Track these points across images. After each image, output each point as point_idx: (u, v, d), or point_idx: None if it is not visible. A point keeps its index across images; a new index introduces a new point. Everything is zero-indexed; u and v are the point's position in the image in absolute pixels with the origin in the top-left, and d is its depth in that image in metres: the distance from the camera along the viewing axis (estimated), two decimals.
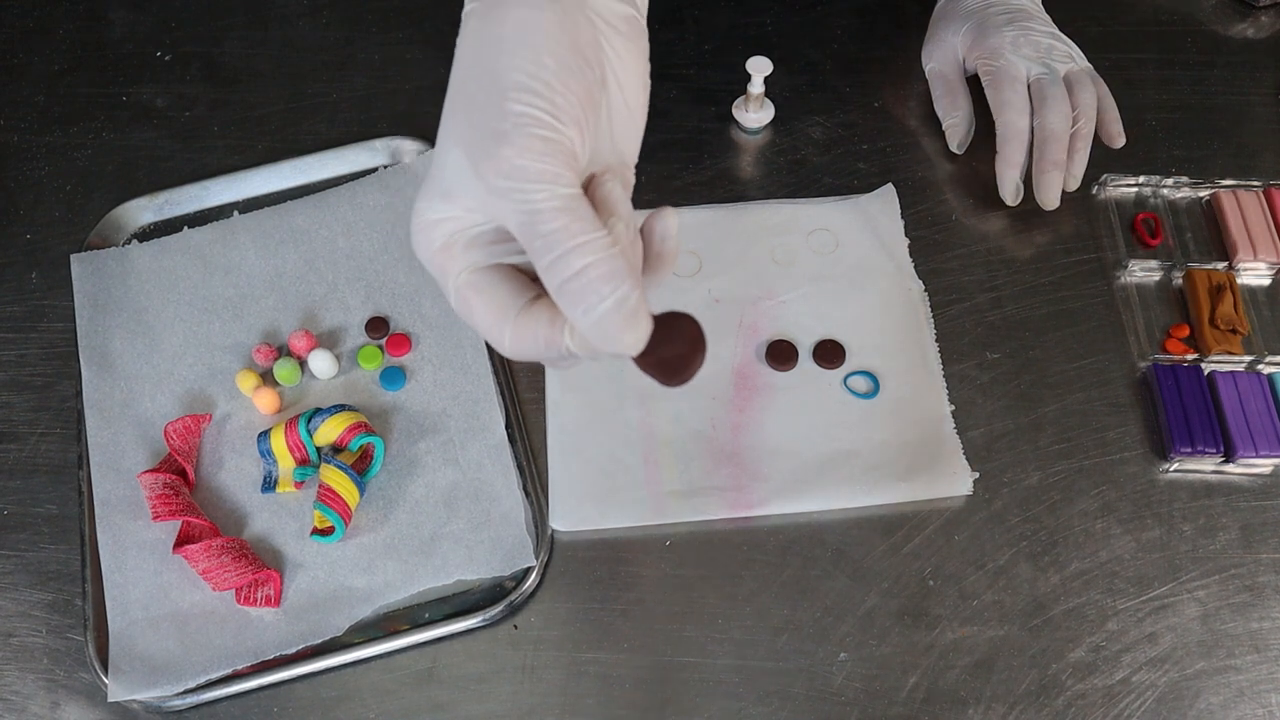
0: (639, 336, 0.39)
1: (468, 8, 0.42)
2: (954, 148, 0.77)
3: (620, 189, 0.42)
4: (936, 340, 0.70)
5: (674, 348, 0.40)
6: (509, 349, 0.42)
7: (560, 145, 0.39)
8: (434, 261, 0.43)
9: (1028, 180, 0.73)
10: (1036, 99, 0.73)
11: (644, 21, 0.45)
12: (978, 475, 0.65)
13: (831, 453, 0.66)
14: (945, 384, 0.68)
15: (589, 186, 0.42)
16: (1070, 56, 0.75)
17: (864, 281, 0.72)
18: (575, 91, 0.40)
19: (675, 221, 0.43)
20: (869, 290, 0.71)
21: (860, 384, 0.68)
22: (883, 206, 0.74)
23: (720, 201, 0.75)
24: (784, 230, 0.74)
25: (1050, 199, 0.73)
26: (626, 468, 0.66)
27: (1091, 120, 0.73)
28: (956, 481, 0.65)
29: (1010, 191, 0.73)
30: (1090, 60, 0.76)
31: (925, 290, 0.71)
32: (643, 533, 0.64)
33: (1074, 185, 0.73)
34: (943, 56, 0.78)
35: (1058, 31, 0.76)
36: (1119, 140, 0.74)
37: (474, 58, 0.40)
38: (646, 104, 0.45)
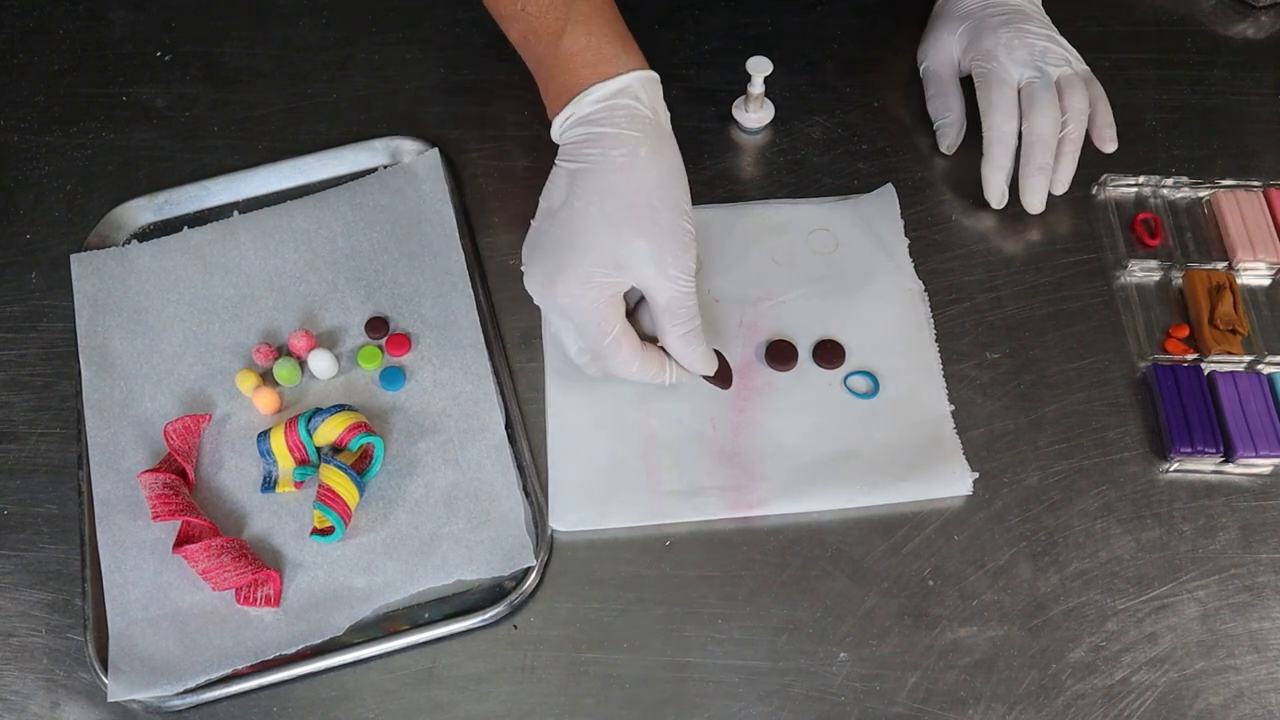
0: (715, 363, 0.65)
1: (634, 135, 0.60)
2: (944, 148, 0.77)
3: None
4: (936, 340, 0.70)
5: (721, 369, 0.66)
6: (633, 376, 0.63)
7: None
8: (597, 310, 0.60)
9: (1014, 184, 0.73)
10: (1026, 103, 0.72)
11: None
12: (977, 475, 0.65)
13: (831, 453, 0.66)
14: (945, 384, 0.68)
15: None
16: (1066, 59, 0.74)
17: (863, 282, 0.72)
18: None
19: None
20: (868, 290, 0.71)
21: (860, 384, 0.68)
22: (882, 207, 0.74)
23: (720, 201, 0.75)
24: (783, 230, 0.74)
25: (1034, 203, 0.73)
26: (627, 468, 0.66)
27: (1081, 125, 0.72)
28: (956, 482, 0.65)
29: (995, 195, 0.74)
30: (1090, 60, 0.75)
31: (925, 290, 0.71)
32: (643, 533, 0.64)
33: (1060, 190, 0.73)
34: (937, 56, 0.78)
35: (1055, 34, 0.75)
36: (1110, 145, 0.74)
37: (657, 183, 0.60)
38: None
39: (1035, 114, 0.72)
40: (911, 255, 0.73)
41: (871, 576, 0.63)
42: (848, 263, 0.72)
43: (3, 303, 0.74)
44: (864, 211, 0.74)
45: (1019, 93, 0.73)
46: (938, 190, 0.76)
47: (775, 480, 0.65)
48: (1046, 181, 0.73)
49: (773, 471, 0.65)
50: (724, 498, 0.65)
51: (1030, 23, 0.75)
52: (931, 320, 0.70)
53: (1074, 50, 0.75)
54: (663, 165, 0.61)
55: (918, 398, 0.68)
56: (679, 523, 0.64)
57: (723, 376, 0.66)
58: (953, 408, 0.67)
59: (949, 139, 0.77)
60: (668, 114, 0.63)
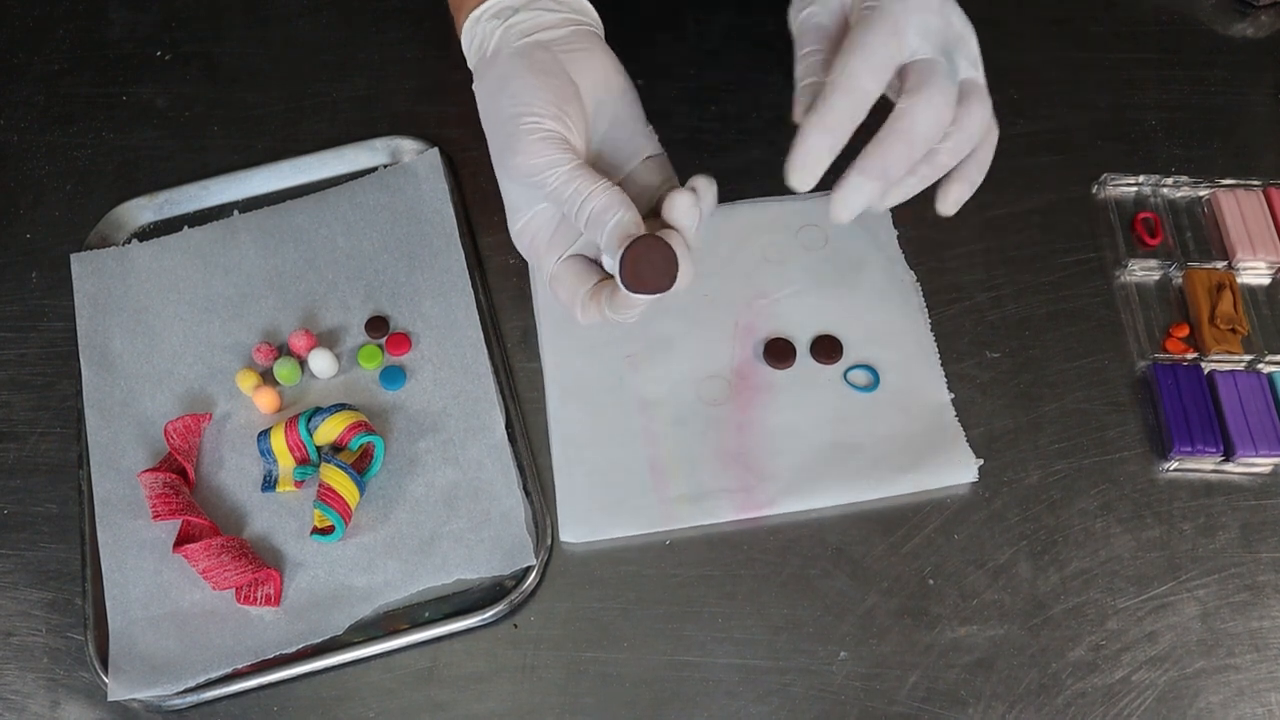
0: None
1: (475, 72, 0.60)
2: (797, 118, 0.55)
3: (650, 172, 0.59)
4: (934, 333, 0.70)
5: (655, 260, 0.54)
6: (581, 321, 0.58)
7: (550, 137, 0.56)
8: (535, 255, 0.59)
9: (827, 178, 0.54)
10: (913, 79, 0.52)
11: (594, 27, 0.61)
12: (983, 462, 0.65)
13: (836, 448, 0.66)
14: (943, 372, 0.68)
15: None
16: (976, 66, 0.56)
17: (856, 274, 0.72)
18: (545, 98, 0.56)
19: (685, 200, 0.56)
20: (862, 283, 0.71)
21: (860, 377, 0.68)
22: None
23: (721, 202, 0.75)
24: (773, 228, 0.74)
25: (841, 212, 0.54)
26: (633, 475, 0.65)
27: (961, 152, 0.55)
28: (962, 469, 0.65)
29: (804, 170, 0.52)
30: (1090, 60, 0.75)
31: (917, 281, 0.71)
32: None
33: (882, 210, 0.57)
34: (826, 1, 0.56)
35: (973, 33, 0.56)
36: (951, 208, 0.58)
37: (483, 106, 0.59)
38: (623, 85, 0.60)
39: (920, 97, 0.51)
40: (912, 255, 0.73)
41: (871, 576, 0.63)
42: (839, 257, 0.73)
43: (3, 303, 0.74)
44: None
45: (907, 67, 0.53)
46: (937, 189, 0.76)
47: (782, 479, 0.65)
48: (879, 191, 0.53)
49: (779, 470, 0.65)
50: (732, 500, 0.64)
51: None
52: (925, 309, 0.70)
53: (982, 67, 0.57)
54: (486, 85, 0.60)
55: (918, 388, 0.68)
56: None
57: (660, 273, 0.53)
58: (953, 396, 0.67)
59: (805, 104, 0.54)
60: None
